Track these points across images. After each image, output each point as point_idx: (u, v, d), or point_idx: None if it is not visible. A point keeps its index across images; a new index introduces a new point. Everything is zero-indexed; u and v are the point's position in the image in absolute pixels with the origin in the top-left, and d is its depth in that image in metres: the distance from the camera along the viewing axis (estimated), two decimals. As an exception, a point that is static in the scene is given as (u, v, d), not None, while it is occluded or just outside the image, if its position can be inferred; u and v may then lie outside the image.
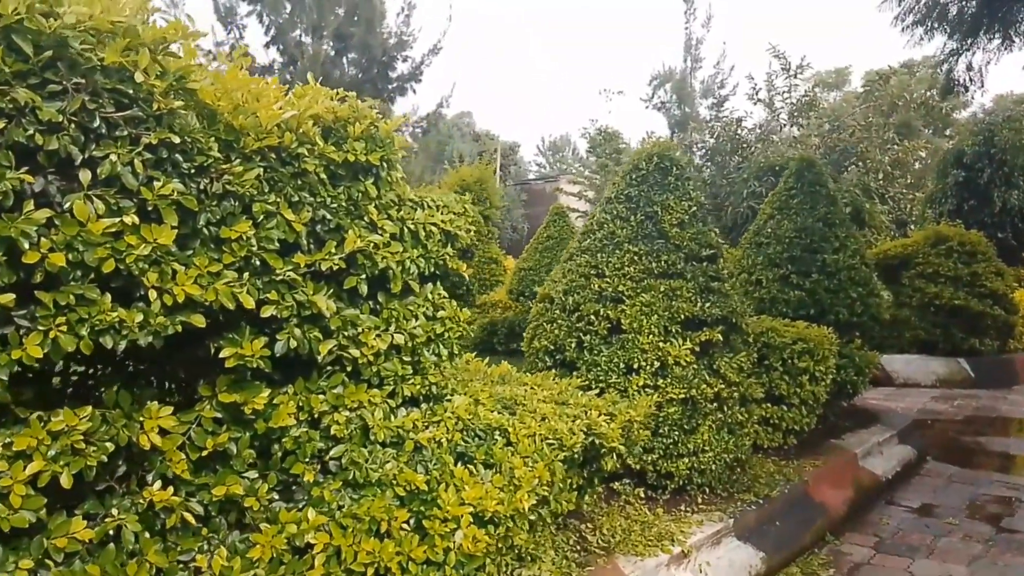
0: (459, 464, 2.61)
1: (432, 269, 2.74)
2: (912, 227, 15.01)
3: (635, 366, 4.34)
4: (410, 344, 2.66)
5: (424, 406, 2.80)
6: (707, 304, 4.51)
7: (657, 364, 4.35)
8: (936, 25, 8.23)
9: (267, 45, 25.30)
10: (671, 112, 33.27)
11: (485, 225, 14.00)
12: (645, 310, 4.41)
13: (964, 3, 7.89)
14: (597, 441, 2.96)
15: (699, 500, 4.47)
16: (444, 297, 2.79)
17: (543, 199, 49.22)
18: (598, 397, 3.62)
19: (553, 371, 4.63)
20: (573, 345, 4.53)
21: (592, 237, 4.83)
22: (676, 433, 4.33)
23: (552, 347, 4.62)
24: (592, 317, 4.52)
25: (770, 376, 5.51)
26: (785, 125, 18.79)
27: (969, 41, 8.27)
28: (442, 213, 2.76)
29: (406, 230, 2.62)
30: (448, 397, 2.86)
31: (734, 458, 4.60)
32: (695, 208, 4.79)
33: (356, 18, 24.28)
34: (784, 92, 18.82)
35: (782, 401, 5.55)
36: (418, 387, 2.73)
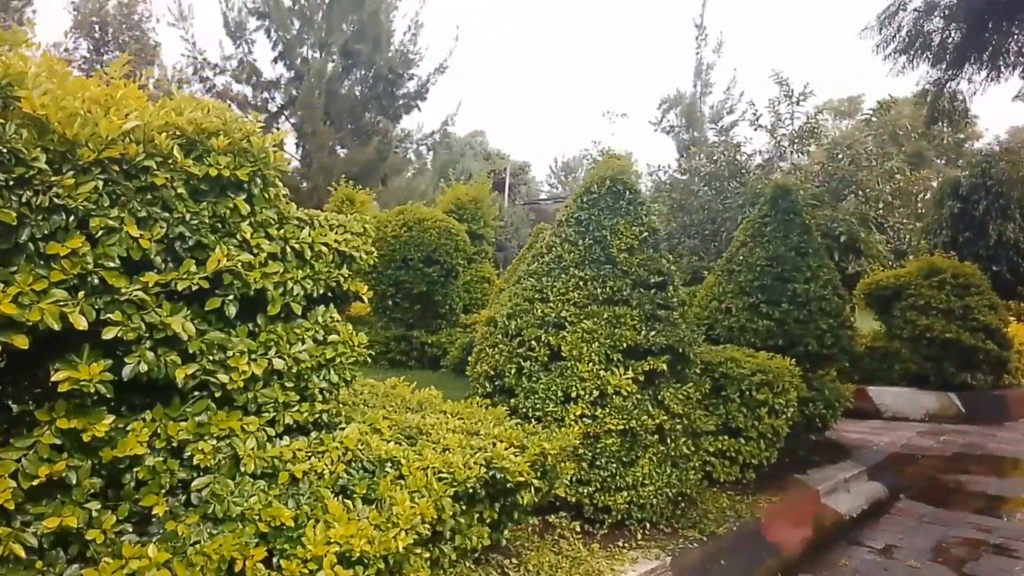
0: (339, 498, 2.49)
1: (322, 291, 2.63)
2: (911, 257, 14.81)
3: (573, 395, 4.21)
4: (295, 369, 2.54)
5: (314, 435, 2.68)
6: (652, 332, 4.38)
7: (596, 393, 4.21)
8: (920, 54, 8.10)
9: (275, 60, 25.50)
10: (680, 136, 33.27)
11: (477, 244, 13.90)
12: (586, 337, 4.28)
13: (948, 32, 7.76)
14: (499, 475, 2.83)
15: (639, 536, 4.31)
16: (336, 320, 2.68)
17: (552, 219, 49.35)
18: (522, 426, 3.50)
19: (492, 398, 4.52)
20: (513, 371, 4.40)
21: (540, 261, 4.72)
22: (614, 465, 4.19)
23: (492, 372, 4.49)
24: (533, 343, 4.40)
25: (727, 408, 5.36)
26: (787, 152, 18.67)
27: (953, 71, 8.13)
28: (336, 232, 2.66)
29: (289, 249, 2.51)
30: (341, 425, 2.74)
31: (678, 492, 4.44)
32: (646, 233, 4.67)
33: (364, 36, 24.42)
34: (786, 119, 18.72)
35: (739, 434, 5.39)
36: (305, 415, 2.61)
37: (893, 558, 5.25)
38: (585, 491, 4.19)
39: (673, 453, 4.41)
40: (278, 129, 26.19)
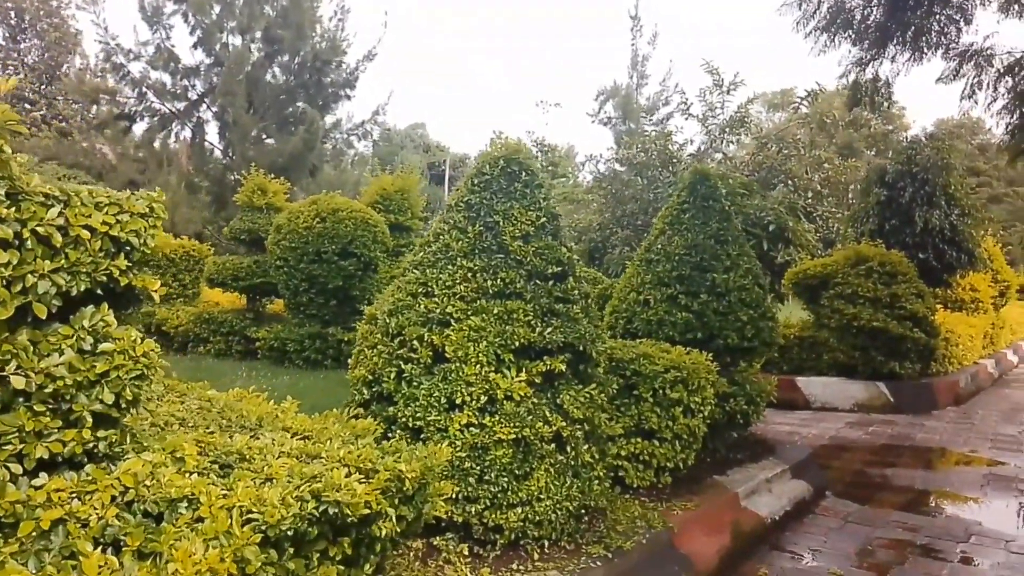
0: (108, 551, 1.94)
1: (86, 287, 2.08)
2: (839, 246, 14.77)
3: (458, 401, 3.71)
4: (49, 388, 1.99)
5: (88, 469, 2.12)
6: (549, 329, 3.91)
7: (484, 399, 3.72)
8: (841, 32, 7.83)
9: (194, 46, 24.37)
10: (617, 128, 33.15)
11: (404, 236, 13.29)
12: (473, 336, 3.79)
13: (869, 9, 7.49)
14: (332, 510, 2.31)
15: (535, 556, 3.84)
16: (111, 325, 2.12)
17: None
18: (382, 445, 2.99)
19: (369, 406, 4.00)
20: (392, 375, 3.88)
21: (426, 250, 4.20)
22: (505, 479, 3.70)
23: (370, 377, 3.96)
24: (415, 343, 3.88)
25: (639, 408, 4.95)
26: (718, 142, 18.56)
27: (875, 51, 7.89)
28: (105, 213, 2.10)
29: (29, 234, 1.95)
30: (127, 455, 2.19)
31: (580, 505, 3.98)
32: (544, 219, 4.19)
33: (287, 22, 23.48)
34: (717, 108, 18.61)
35: (653, 435, 4.98)
36: (71, 445, 2.05)
37: (815, 564, 4.92)
38: (473, 509, 3.70)
39: (574, 462, 3.95)
40: (199, 119, 25.05)
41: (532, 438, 3.73)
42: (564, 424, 3.87)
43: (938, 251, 12.15)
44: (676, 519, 4.66)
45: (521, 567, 3.76)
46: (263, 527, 2.09)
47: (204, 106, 24.79)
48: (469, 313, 3.86)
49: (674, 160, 17.47)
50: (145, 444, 2.28)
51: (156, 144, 23.04)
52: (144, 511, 2.08)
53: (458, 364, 3.75)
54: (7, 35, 45.83)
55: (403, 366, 3.85)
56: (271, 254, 10.65)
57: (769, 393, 6.43)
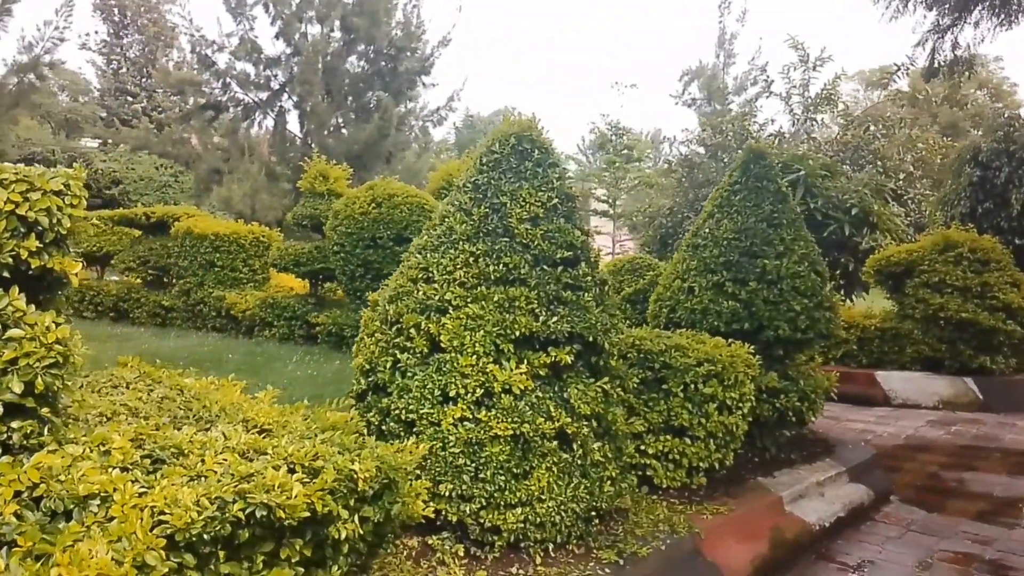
0: (1, 551, 1.82)
1: (-10, 270, 1.96)
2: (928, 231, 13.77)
3: (452, 393, 3.49)
4: (-53, 377, 1.89)
5: (5, 460, 2.02)
6: (554, 319, 3.64)
7: (480, 392, 3.49)
8: (916, -6, 7.14)
9: (276, 37, 24.90)
10: (702, 109, 32.20)
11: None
12: (470, 324, 3.56)
13: (948, -31, 6.78)
14: (260, 513, 2.14)
15: (538, 560, 3.59)
16: (20, 310, 2.01)
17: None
18: (343, 439, 2.80)
19: (364, 398, 3.84)
20: (388, 365, 3.69)
21: (430, 234, 4.00)
22: (502, 478, 3.47)
23: (367, 366, 3.80)
24: (412, 331, 3.68)
25: (669, 403, 4.61)
26: (802, 120, 17.65)
27: (955, 16, 7.14)
28: (11, 191, 1.98)
29: (-86, 214, 1.85)
30: (49, 447, 2.08)
31: (589, 507, 3.71)
32: (556, 201, 3.91)
33: (362, 9, 23.68)
34: (800, 86, 17.70)
35: (684, 433, 4.64)
36: (-22, 436, 1.95)
37: (864, 578, 4.49)
38: (468, 508, 3.49)
39: (582, 461, 3.68)
40: (281, 108, 25.65)
41: (532, 434, 3.48)
42: (569, 420, 3.60)
43: (1037, 236, 11.12)
44: (705, 524, 4.32)
45: (520, 571, 3.53)
46: (170, 530, 1.94)
47: (285, 96, 25.35)
48: (468, 300, 3.64)
49: (752, 141, 16.72)
50: (72, 436, 2.17)
51: (239, 133, 23.71)
52: (50, 509, 1.96)
53: (453, 354, 3.54)
54: (111, 31, 48.40)
55: (399, 355, 3.67)
56: (328, 239, 10.71)
57: (827, 389, 5.95)
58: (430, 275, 3.79)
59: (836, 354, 10.84)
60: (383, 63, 24.53)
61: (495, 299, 3.61)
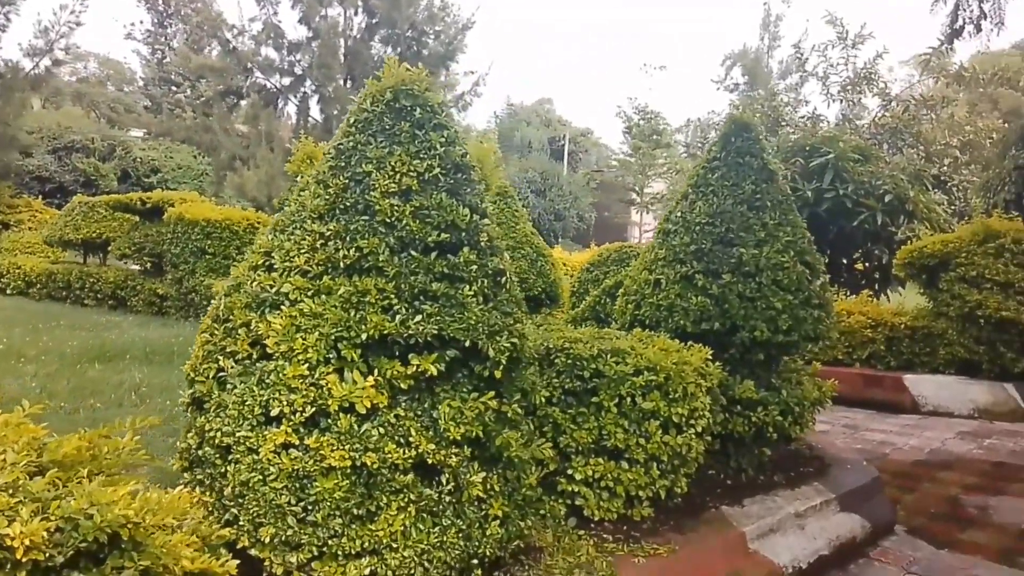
0: None
1: None
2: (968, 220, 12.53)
3: (274, 413, 2.75)
4: None
5: None
6: (416, 317, 2.87)
7: (310, 410, 2.74)
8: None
9: (299, 21, 24.51)
10: (744, 94, 30.87)
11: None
12: (304, 324, 2.81)
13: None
14: None
15: (393, 622, 2.85)
16: None
17: (616, 188, 47.31)
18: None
19: (186, 412, 3.12)
20: (211, 374, 2.97)
21: (284, 212, 3.25)
22: (339, 521, 2.72)
23: (192, 373, 3.07)
24: (241, 331, 2.95)
25: (601, 419, 3.80)
26: (838, 101, 16.43)
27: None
28: None
29: None
30: None
31: (464, 555, 2.94)
32: (438, 171, 3.12)
33: (384, -8, 23.07)
34: (839, 64, 16.48)
35: (620, 455, 3.82)
36: None
37: (836, 642, 3.63)
38: (296, 559, 2.74)
39: (452, 498, 2.91)
40: (304, 94, 25.24)
41: (378, 465, 2.72)
42: (434, 447, 2.83)
43: (1094, 226, 9.85)
44: (636, 569, 3.51)
45: (369, 637, 2.78)
46: None
47: (308, 82, 24.94)
48: (309, 293, 2.89)
49: (782, 122, 15.60)
50: None
51: (260, 119, 23.36)
52: None
53: (281, 362, 2.79)
54: (155, 20, 48.97)
55: (222, 362, 2.94)
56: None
57: (818, 400, 5.04)
58: (272, 261, 3.05)
59: (861, 354, 9.81)
60: (407, 47, 23.90)
61: (340, 292, 2.85)
